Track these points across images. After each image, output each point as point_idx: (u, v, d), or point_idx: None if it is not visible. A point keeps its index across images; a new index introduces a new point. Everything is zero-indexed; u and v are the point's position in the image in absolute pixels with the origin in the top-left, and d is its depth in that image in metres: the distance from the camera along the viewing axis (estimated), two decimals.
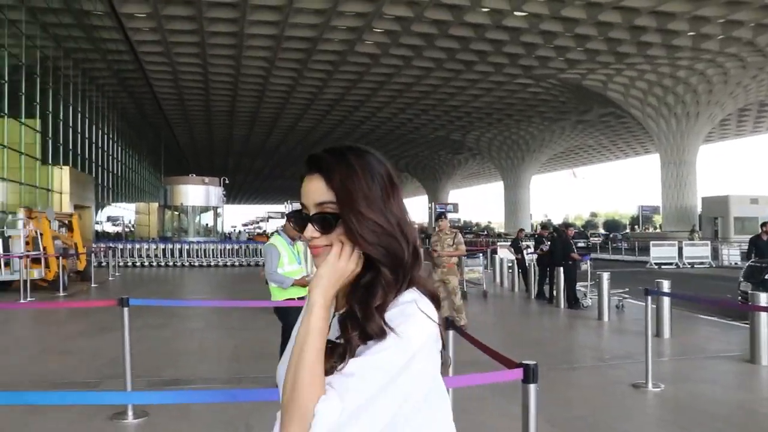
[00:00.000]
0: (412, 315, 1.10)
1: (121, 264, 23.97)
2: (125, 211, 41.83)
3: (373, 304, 1.11)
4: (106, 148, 36.85)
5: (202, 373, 6.92)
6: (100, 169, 34.92)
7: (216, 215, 35.37)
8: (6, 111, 20.62)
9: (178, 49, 28.18)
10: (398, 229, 1.15)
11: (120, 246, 25.42)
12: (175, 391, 5.69)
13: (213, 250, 26.47)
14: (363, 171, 1.15)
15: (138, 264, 25.35)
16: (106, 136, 36.76)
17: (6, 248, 14.96)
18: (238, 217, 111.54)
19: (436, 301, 1.18)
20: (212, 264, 25.83)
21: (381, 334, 1.08)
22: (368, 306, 1.11)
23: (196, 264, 25.70)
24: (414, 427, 1.12)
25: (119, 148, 41.20)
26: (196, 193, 32.81)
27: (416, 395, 1.11)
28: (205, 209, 34.58)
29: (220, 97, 37.04)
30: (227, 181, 34.63)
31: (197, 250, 26.19)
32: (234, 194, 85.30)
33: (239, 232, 51.16)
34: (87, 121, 31.97)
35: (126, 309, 5.16)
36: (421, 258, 1.20)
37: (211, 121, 44.48)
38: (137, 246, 26.41)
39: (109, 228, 36.95)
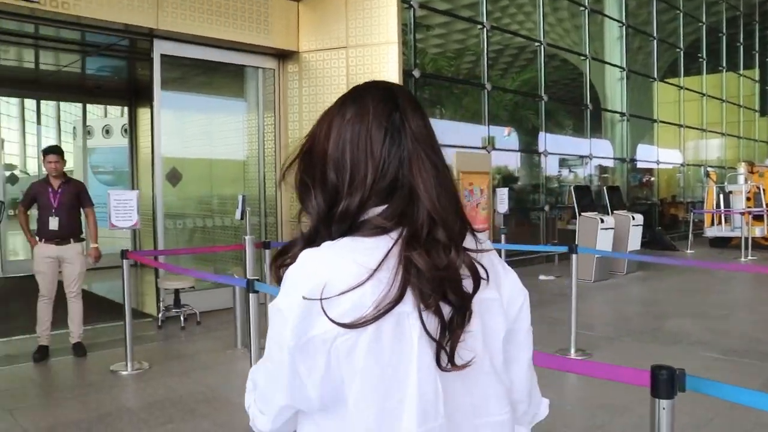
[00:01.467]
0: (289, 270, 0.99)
1: None
2: None
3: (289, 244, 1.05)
4: None
5: None
6: None
7: None
8: (724, 65, 20.15)
9: None
10: (317, 173, 1.03)
11: None
12: None
13: None
14: (325, 114, 1.07)
15: None
16: None
17: (726, 204, 14.51)
18: None
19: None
20: None
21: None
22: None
23: None
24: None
25: None
26: None
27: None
28: None
29: None
30: None
31: None
32: None
33: None
34: None
35: None
36: (346, 210, 0.98)
37: None
38: None
39: None
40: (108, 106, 12.54)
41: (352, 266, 0.92)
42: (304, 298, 0.91)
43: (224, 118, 9.30)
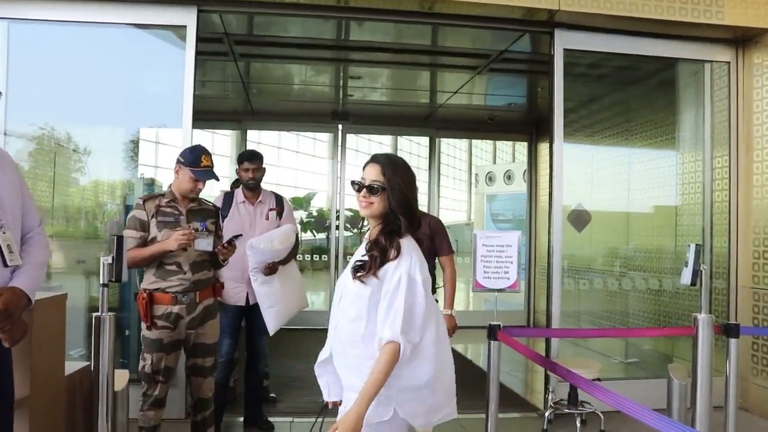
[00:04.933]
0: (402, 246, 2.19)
1: None
2: None
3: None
4: None
5: None
6: None
7: None
8: None
9: None
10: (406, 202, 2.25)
11: None
12: None
13: None
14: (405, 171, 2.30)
15: None
16: None
17: None
18: None
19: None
20: None
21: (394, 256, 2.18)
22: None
23: None
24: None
25: None
26: None
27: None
28: None
29: None
30: None
31: None
32: None
33: None
34: None
35: None
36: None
37: None
38: None
39: None
40: (505, 142, 11.29)
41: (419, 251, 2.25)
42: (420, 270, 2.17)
43: (648, 145, 6.94)
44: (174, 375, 3.61)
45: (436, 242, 3.89)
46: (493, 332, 3.28)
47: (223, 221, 4.10)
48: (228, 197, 4.41)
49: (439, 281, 3.99)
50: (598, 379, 4.52)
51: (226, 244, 3.61)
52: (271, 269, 4.12)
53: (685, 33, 5.27)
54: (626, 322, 6.88)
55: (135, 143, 5.97)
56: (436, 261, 3.96)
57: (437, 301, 4.07)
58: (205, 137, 9.55)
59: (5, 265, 2.11)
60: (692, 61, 5.69)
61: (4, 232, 2.11)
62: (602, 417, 4.59)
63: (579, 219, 5.91)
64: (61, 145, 5.60)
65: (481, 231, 4.27)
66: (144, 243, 3.44)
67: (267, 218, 4.39)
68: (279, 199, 4.52)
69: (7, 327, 2.07)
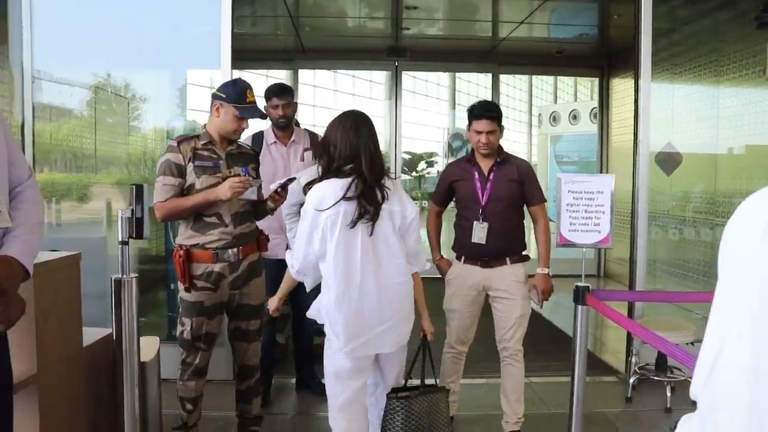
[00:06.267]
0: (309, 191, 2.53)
1: None
2: None
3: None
4: None
5: None
6: None
7: None
8: None
9: None
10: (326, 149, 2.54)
11: None
12: None
13: None
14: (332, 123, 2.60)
15: None
16: None
17: None
18: None
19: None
20: None
21: None
22: None
23: None
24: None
25: None
26: None
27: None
28: None
29: None
30: None
31: None
32: None
33: None
34: None
35: None
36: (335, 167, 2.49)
37: None
38: None
39: None
40: (566, 81, 10.50)
41: (333, 191, 2.40)
42: (314, 207, 2.41)
43: (741, 78, 6.14)
44: (216, 341, 3.24)
45: (525, 189, 3.32)
46: (581, 295, 2.77)
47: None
48: (257, 138, 3.93)
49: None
50: (692, 343, 3.98)
51: (279, 190, 3.15)
52: None
53: None
54: (708, 273, 6.24)
55: (183, 87, 5.58)
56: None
57: (529, 258, 3.56)
58: (257, 79, 9.11)
59: None
60: None
61: None
62: None
63: (668, 160, 5.25)
64: (116, 92, 5.27)
65: (567, 174, 3.68)
66: (181, 190, 3.03)
67: (302, 159, 3.90)
68: (314, 138, 3.98)
69: (1, 307, 1.68)
